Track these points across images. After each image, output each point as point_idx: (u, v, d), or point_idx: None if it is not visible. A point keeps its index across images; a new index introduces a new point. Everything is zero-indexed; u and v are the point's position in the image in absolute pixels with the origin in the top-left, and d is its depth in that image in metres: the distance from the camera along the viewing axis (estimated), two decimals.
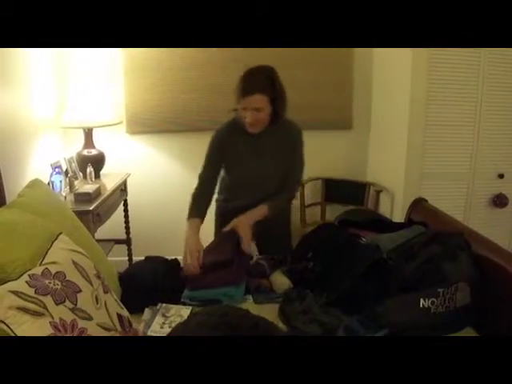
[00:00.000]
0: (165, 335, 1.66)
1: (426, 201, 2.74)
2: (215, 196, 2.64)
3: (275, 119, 2.35)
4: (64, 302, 1.40)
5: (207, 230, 2.64)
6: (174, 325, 1.81)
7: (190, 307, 2.06)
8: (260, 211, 2.41)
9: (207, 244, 2.36)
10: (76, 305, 1.43)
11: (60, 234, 1.71)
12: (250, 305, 2.08)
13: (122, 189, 3.68)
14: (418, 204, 2.71)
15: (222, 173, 2.56)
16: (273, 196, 2.45)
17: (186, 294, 2.14)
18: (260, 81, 2.24)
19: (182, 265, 2.29)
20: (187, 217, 2.45)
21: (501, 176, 3.62)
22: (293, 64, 3.72)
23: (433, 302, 1.84)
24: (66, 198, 2.98)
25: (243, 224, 2.34)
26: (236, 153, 2.43)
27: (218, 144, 2.46)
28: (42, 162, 3.24)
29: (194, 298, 2.12)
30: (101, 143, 3.67)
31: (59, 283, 1.44)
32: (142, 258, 2.47)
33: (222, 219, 2.58)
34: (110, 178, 3.55)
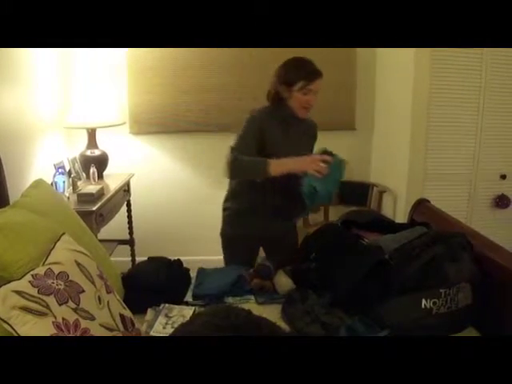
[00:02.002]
0: (167, 335, 1.67)
1: (429, 201, 2.73)
2: (225, 204, 2.59)
3: None
4: (67, 302, 1.40)
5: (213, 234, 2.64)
6: (176, 325, 1.81)
7: (193, 308, 2.06)
8: None
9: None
10: (79, 305, 1.43)
11: (63, 234, 1.72)
12: (252, 305, 2.08)
13: (125, 189, 3.69)
14: (421, 205, 2.71)
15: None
16: None
17: None
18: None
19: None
20: (261, 168, 2.23)
21: (503, 177, 3.62)
22: None
23: (435, 303, 1.84)
24: (69, 198, 2.98)
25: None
26: (273, 138, 2.40)
27: (258, 121, 2.38)
28: (46, 162, 3.25)
29: None
30: (104, 144, 3.67)
31: (62, 283, 1.45)
32: (145, 258, 2.47)
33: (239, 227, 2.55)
34: (113, 179, 3.56)
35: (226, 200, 2.58)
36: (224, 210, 2.59)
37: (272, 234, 2.54)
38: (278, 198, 2.44)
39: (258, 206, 2.46)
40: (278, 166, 2.23)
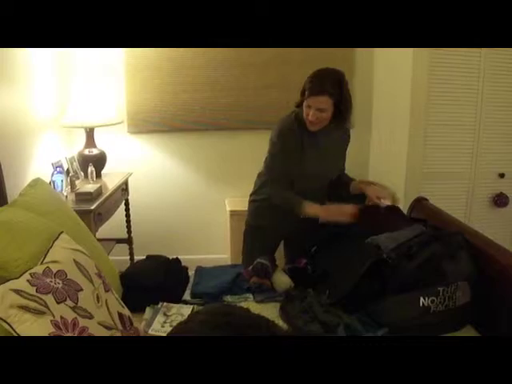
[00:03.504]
0: (166, 334, 1.67)
1: (427, 200, 2.74)
2: (252, 197, 2.67)
3: (338, 120, 2.38)
4: (65, 300, 1.40)
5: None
6: (174, 324, 1.80)
7: (191, 306, 2.06)
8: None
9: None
10: (77, 303, 1.43)
11: (61, 233, 1.72)
12: (250, 304, 2.09)
13: (124, 188, 3.68)
14: (419, 203, 2.71)
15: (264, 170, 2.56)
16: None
17: None
18: (328, 83, 2.28)
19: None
20: (296, 209, 2.34)
21: (501, 175, 3.62)
22: (294, 64, 3.72)
23: (433, 301, 1.85)
24: (67, 197, 2.98)
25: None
26: (300, 148, 2.40)
27: (292, 134, 2.38)
28: (44, 161, 3.25)
29: None
30: (102, 143, 3.67)
31: (60, 282, 1.45)
32: (144, 257, 2.48)
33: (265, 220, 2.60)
34: (111, 178, 3.55)
35: (254, 193, 2.66)
36: (250, 202, 2.67)
37: (295, 230, 2.55)
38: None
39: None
40: (311, 211, 2.33)
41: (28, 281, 1.38)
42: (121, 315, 1.64)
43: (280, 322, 1.90)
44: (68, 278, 1.49)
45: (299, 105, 2.38)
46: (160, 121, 3.92)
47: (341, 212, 2.31)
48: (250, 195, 2.68)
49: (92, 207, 2.87)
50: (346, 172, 2.71)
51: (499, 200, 3.65)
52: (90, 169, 3.35)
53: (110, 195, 3.24)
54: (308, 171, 2.41)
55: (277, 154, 2.40)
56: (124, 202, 3.80)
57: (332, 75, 2.32)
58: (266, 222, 2.58)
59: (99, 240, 2.30)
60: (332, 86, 2.28)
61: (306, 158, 2.40)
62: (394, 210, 2.43)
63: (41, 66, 3.36)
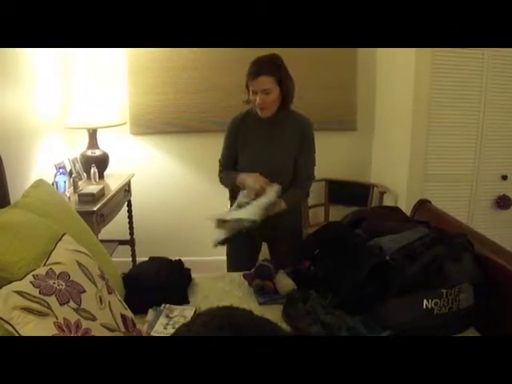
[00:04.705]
0: (168, 336, 1.67)
1: (430, 202, 2.73)
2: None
3: (285, 105, 2.46)
4: (68, 302, 1.40)
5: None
6: (177, 325, 1.81)
7: (194, 308, 2.06)
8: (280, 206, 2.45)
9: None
10: (80, 305, 1.43)
11: (64, 234, 1.72)
12: (253, 306, 2.08)
13: (126, 189, 3.69)
14: (422, 205, 2.71)
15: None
16: (285, 190, 2.48)
17: None
18: (266, 64, 2.36)
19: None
20: (230, 182, 2.58)
21: (504, 177, 3.61)
22: (296, 65, 3.70)
23: (436, 303, 1.84)
24: (69, 198, 2.98)
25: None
26: (248, 138, 2.52)
27: (233, 128, 2.57)
28: (46, 162, 3.25)
29: None
30: (105, 144, 3.67)
31: (63, 283, 1.45)
32: (146, 258, 2.48)
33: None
34: (113, 179, 3.56)
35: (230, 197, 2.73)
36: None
37: (272, 227, 2.52)
38: None
39: None
40: (241, 179, 2.47)
41: (31, 282, 1.38)
42: (124, 317, 1.64)
43: (283, 324, 1.90)
44: (71, 279, 1.49)
45: (248, 101, 2.47)
46: (163, 122, 3.92)
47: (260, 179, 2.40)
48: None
49: (95, 208, 2.88)
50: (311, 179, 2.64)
51: (502, 202, 3.64)
52: (93, 170, 3.36)
53: (113, 196, 3.24)
54: (255, 159, 2.51)
55: (223, 145, 2.63)
56: (126, 203, 3.80)
57: (267, 58, 2.39)
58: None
59: (102, 241, 2.30)
60: (269, 65, 2.37)
61: (254, 146, 2.51)
62: (397, 212, 2.43)
63: (43, 67, 3.36)
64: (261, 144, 2.50)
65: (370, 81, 4.05)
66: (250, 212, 2.31)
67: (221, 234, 2.32)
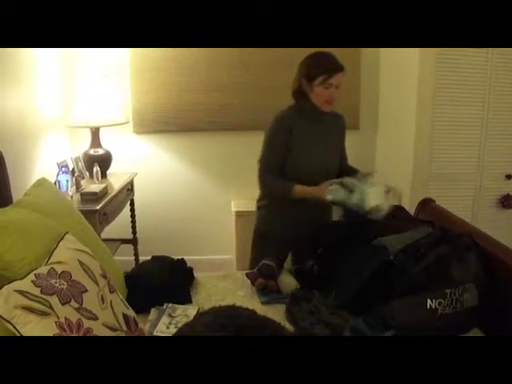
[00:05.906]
0: (171, 335, 1.66)
1: (434, 201, 2.72)
2: (259, 203, 2.64)
3: None
4: (70, 301, 1.40)
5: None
6: (180, 325, 1.80)
7: (197, 307, 2.05)
8: None
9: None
10: (82, 305, 1.43)
11: (66, 233, 1.71)
12: (256, 305, 2.08)
13: (129, 188, 3.68)
14: (426, 204, 2.70)
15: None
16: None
17: None
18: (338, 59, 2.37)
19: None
20: (286, 194, 2.40)
21: (508, 177, 3.60)
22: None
23: (440, 303, 1.83)
24: (72, 197, 2.98)
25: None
26: (303, 137, 2.43)
27: (284, 127, 2.42)
28: (49, 161, 3.25)
29: None
30: (107, 143, 3.67)
31: (65, 283, 1.44)
32: (149, 257, 2.47)
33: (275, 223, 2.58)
34: (116, 178, 3.56)
35: (261, 199, 2.63)
36: (258, 208, 2.64)
37: (302, 236, 2.45)
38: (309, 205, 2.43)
39: (291, 207, 2.48)
40: (301, 193, 2.36)
41: (32, 282, 1.37)
42: (126, 316, 1.63)
43: (286, 324, 1.89)
44: (73, 278, 1.48)
45: (299, 92, 2.42)
46: (165, 121, 3.92)
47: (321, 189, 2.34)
48: (257, 201, 2.65)
49: (97, 207, 2.88)
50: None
51: (506, 201, 3.62)
52: (96, 169, 3.36)
53: (116, 195, 3.24)
54: (311, 161, 2.45)
55: (266, 144, 2.47)
56: (129, 202, 3.80)
57: (331, 53, 2.39)
58: (276, 228, 2.54)
59: (104, 240, 2.29)
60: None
61: (308, 147, 2.43)
62: (400, 211, 2.41)
63: (46, 66, 3.36)
64: (315, 143, 2.46)
65: (373, 80, 4.04)
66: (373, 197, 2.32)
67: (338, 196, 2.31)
